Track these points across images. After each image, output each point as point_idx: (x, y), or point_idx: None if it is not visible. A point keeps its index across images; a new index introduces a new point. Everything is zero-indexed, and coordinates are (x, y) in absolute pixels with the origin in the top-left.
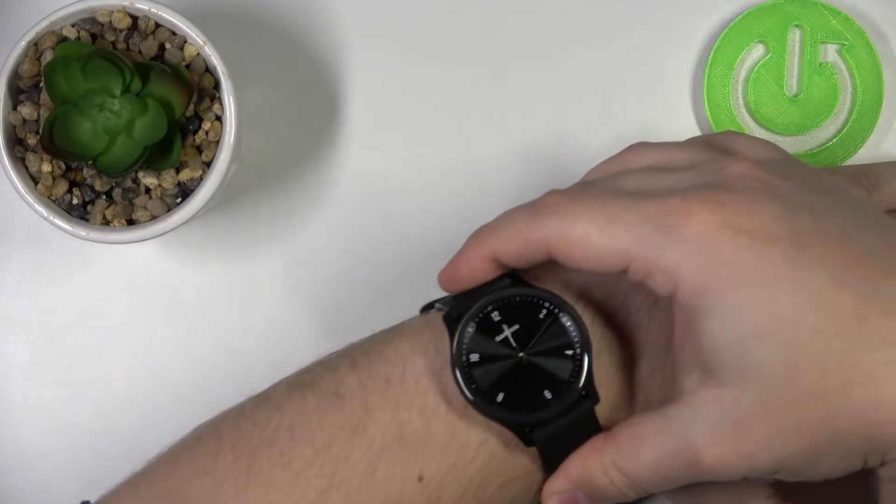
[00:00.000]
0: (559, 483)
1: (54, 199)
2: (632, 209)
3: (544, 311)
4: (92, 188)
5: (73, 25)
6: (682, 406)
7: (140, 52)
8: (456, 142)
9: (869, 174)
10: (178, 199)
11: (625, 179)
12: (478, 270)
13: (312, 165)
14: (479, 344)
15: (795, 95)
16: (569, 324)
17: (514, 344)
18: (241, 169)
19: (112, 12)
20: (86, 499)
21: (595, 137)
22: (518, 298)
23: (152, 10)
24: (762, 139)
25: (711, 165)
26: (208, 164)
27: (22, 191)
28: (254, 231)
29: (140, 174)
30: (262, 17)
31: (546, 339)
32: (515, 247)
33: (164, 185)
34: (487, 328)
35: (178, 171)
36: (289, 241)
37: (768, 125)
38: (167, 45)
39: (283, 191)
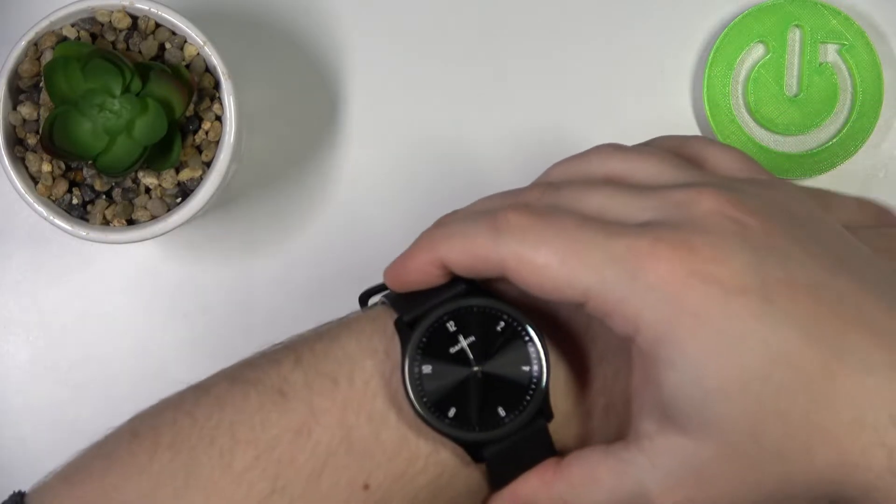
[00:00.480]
0: (504, 500)
1: (54, 199)
2: (597, 246)
3: (502, 324)
4: (92, 188)
5: (73, 25)
6: (639, 451)
7: (140, 52)
8: (456, 142)
9: (829, 204)
10: (178, 199)
11: (589, 196)
12: (427, 275)
13: (312, 165)
14: (433, 355)
15: (795, 95)
16: (527, 338)
17: (469, 357)
18: (241, 169)
19: (112, 12)
20: (19, 489)
21: (595, 137)
22: (475, 308)
23: (152, 10)
24: (733, 148)
25: (679, 195)
26: (208, 164)
27: (22, 191)
28: (254, 231)
29: (140, 174)
30: (262, 17)
31: (503, 353)
32: (468, 261)
33: (164, 185)
34: (442, 339)
35: (178, 171)
36: (289, 241)
37: (768, 125)
38: (167, 45)
39: (283, 191)
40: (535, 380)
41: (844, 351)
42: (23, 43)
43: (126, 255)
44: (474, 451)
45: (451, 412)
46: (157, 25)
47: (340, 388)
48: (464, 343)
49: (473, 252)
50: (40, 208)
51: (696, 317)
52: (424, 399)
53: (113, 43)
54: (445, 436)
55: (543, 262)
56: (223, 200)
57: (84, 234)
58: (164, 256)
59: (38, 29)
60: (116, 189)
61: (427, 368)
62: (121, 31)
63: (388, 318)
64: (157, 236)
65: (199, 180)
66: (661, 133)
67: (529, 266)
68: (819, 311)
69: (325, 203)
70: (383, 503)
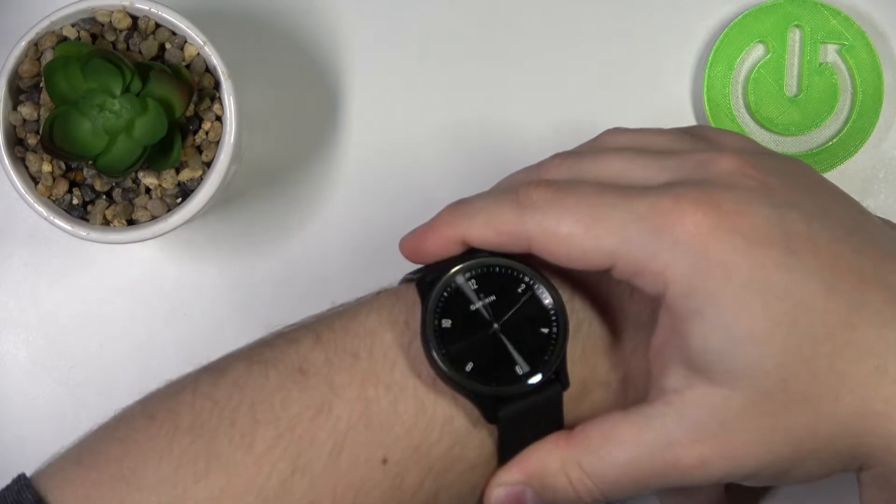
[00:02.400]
0: (511, 474)
1: (54, 199)
2: (620, 207)
3: (523, 286)
4: (92, 188)
5: (73, 25)
6: (665, 405)
7: (140, 52)
8: (456, 141)
9: None
10: (178, 199)
11: (608, 163)
12: (445, 250)
13: (312, 165)
14: (453, 310)
15: (795, 95)
16: (547, 301)
17: (488, 315)
18: (241, 169)
19: (112, 12)
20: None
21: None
22: (497, 269)
23: (152, 10)
24: (735, 132)
25: (697, 156)
26: (208, 164)
27: (22, 191)
28: (254, 231)
29: (140, 174)
30: (262, 17)
31: (522, 314)
32: (492, 237)
33: (164, 185)
34: (462, 296)
35: (178, 171)
36: (289, 241)
37: (768, 125)
38: (167, 45)
39: (283, 191)
40: (553, 342)
41: (863, 304)
42: (23, 43)
43: (126, 255)
44: (489, 409)
45: (469, 367)
46: (158, 25)
47: (360, 362)
48: (483, 302)
49: (498, 228)
50: (40, 208)
51: (724, 267)
52: (444, 352)
53: (113, 43)
54: (462, 389)
55: (568, 231)
56: (223, 200)
57: (84, 234)
58: (164, 256)
59: (38, 29)
60: (116, 189)
61: (446, 322)
62: (121, 31)
63: (409, 291)
64: (157, 236)
65: (199, 180)
66: None
67: (555, 237)
68: (838, 266)
69: (325, 203)
70: (400, 477)
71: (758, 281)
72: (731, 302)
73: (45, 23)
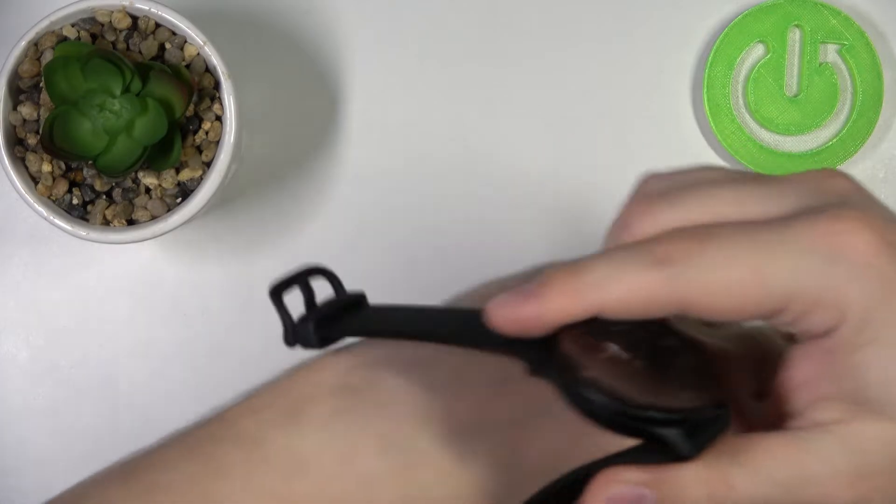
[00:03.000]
0: (635, 474)
1: (54, 199)
2: (779, 242)
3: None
4: (92, 188)
5: (73, 25)
6: (825, 433)
7: (140, 52)
8: (455, 142)
9: None
10: (178, 199)
11: (715, 194)
12: (566, 321)
13: (312, 165)
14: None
15: (795, 95)
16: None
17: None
18: (241, 169)
19: (112, 12)
20: None
21: (596, 136)
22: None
23: (152, 10)
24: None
25: (808, 177)
26: (208, 164)
27: (22, 191)
28: (254, 231)
29: (140, 174)
30: (262, 17)
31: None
32: (632, 306)
33: (164, 185)
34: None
35: (178, 171)
36: (289, 241)
37: (768, 125)
38: (167, 45)
39: (283, 191)
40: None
41: None
42: (23, 43)
43: (126, 255)
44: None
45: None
46: (157, 25)
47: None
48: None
49: (641, 294)
50: (40, 208)
51: None
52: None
53: (113, 43)
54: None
55: (736, 278)
56: (223, 200)
57: (84, 234)
58: (164, 256)
59: (38, 29)
60: (116, 189)
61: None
62: (121, 31)
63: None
64: (157, 236)
65: (199, 180)
66: (662, 133)
67: (719, 289)
68: None
69: (325, 203)
70: None
71: None
72: None
73: (45, 23)
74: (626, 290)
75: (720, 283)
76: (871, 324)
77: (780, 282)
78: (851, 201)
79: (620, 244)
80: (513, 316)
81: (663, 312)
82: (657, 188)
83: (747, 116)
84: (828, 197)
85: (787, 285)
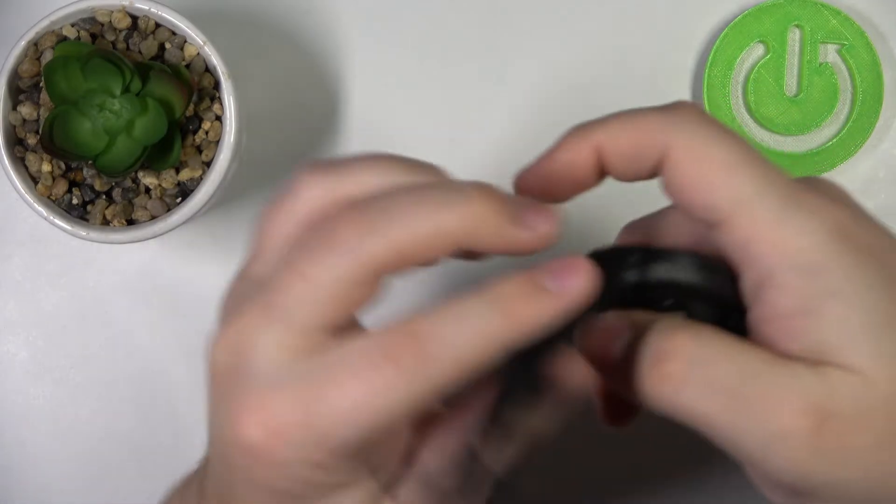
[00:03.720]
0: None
1: (54, 199)
2: (767, 165)
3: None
4: (92, 188)
5: (73, 25)
6: (789, 363)
7: (140, 52)
8: (455, 142)
9: None
10: (178, 199)
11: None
12: (575, 167)
13: None
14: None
15: (795, 95)
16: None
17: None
18: (241, 169)
19: (112, 12)
20: None
21: None
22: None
23: (152, 9)
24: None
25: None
26: (208, 164)
27: (22, 191)
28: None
29: (140, 174)
30: (262, 17)
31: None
32: (629, 147)
33: (163, 185)
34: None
35: (177, 171)
36: None
37: (768, 125)
38: (167, 45)
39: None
40: None
41: None
42: (23, 43)
43: (126, 255)
44: None
45: None
46: (157, 25)
47: None
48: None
49: (639, 133)
50: (40, 208)
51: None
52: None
53: (113, 43)
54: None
55: (718, 157)
56: (223, 200)
57: (84, 234)
58: (164, 256)
59: (38, 29)
60: (116, 189)
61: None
62: (121, 31)
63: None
64: (157, 236)
65: (199, 180)
66: None
67: (697, 159)
68: None
69: None
70: None
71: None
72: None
73: (45, 23)
74: (626, 129)
75: (703, 154)
76: (830, 275)
77: (745, 188)
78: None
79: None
80: (535, 170)
81: (648, 161)
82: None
83: (747, 116)
84: (819, 185)
85: (749, 195)
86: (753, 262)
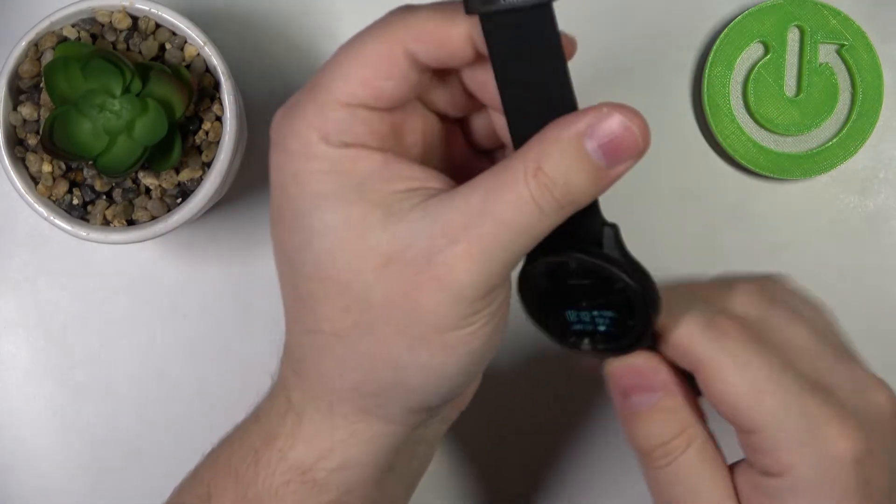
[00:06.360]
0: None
1: (54, 199)
2: (791, 392)
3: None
4: (92, 188)
5: (73, 26)
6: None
7: (140, 52)
8: None
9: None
10: (178, 200)
11: (795, 330)
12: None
13: None
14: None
15: (795, 95)
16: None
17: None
18: (242, 169)
19: (112, 13)
20: None
21: None
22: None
23: (152, 10)
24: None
25: (861, 378)
26: (208, 164)
27: (22, 191)
28: (254, 231)
29: (140, 174)
30: (262, 17)
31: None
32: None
33: (164, 185)
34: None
35: (178, 172)
36: None
37: (768, 125)
38: (167, 46)
39: None
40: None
41: None
42: (23, 43)
43: (126, 255)
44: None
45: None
46: (158, 26)
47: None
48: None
49: (687, 349)
50: (40, 208)
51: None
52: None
53: (113, 43)
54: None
55: (737, 380)
56: (223, 200)
57: (84, 234)
58: (164, 256)
59: (38, 29)
60: (116, 189)
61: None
62: (121, 31)
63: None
64: (157, 236)
65: (199, 180)
66: (662, 132)
67: (722, 381)
68: None
69: None
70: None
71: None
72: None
73: (45, 23)
74: (679, 332)
75: (726, 379)
76: (807, 496)
77: (764, 408)
78: (871, 416)
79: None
80: None
81: (683, 364)
82: (766, 291)
83: (747, 116)
84: (857, 401)
85: (766, 418)
86: (765, 462)
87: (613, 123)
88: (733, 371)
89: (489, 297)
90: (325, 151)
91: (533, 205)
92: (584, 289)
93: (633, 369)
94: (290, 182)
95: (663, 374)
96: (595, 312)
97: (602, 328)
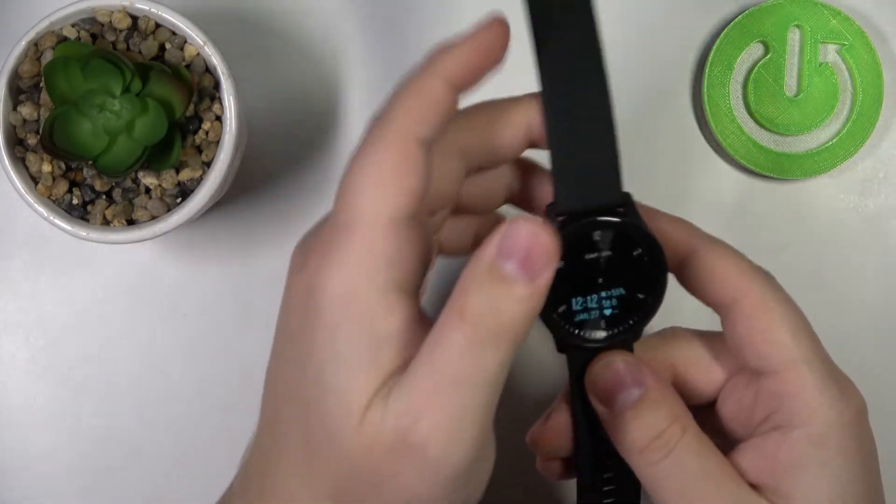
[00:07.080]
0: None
1: (54, 199)
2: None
3: (640, 251)
4: (92, 188)
5: (73, 26)
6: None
7: (140, 52)
8: None
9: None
10: (178, 199)
11: None
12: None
13: (312, 165)
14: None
15: (795, 95)
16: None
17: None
18: (241, 169)
19: (112, 12)
20: None
21: None
22: (622, 230)
23: (152, 10)
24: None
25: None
26: (208, 164)
27: (22, 191)
28: (254, 231)
29: (140, 174)
30: (262, 17)
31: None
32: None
33: (163, 185)
34: (582, 245)
35: (177, 171)
36: (288, 242)
37: (768, 125)
38: (167, 46)
39: (283, 191)
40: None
41: None
42: (23, 43)
43: (126, 255)
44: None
45: (562, 308)
46: (158, 26)
47: None
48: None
49: (729, 278)
50: (40, 208)
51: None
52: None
53: (113, 43)
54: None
55: (783, 313)
56: (223, 200)
57: (84, 234)
58: (164, 256)
59: (38, 29)
60: (116, 189)
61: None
62: (121, 31)
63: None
64: (157, 236)
65: (199, 180)
66: (661, 132)
67: (769, 312)
68: None
69: (325, 203)
70: None
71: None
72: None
73: (45, 23)
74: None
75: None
76: (826, 445)
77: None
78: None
79: None
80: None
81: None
82: None
83: (747, 116)
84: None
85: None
86: (785, 412)
87: (522, 234)
88: (776, 305)
89: (472, 468)
90: (368, 297)
91: (473, 348)
92: (600, 264)
93: (614, 369)
94: (319, 329)
95: (646, 370)
96: (603, 294)
97: (608, 311)
